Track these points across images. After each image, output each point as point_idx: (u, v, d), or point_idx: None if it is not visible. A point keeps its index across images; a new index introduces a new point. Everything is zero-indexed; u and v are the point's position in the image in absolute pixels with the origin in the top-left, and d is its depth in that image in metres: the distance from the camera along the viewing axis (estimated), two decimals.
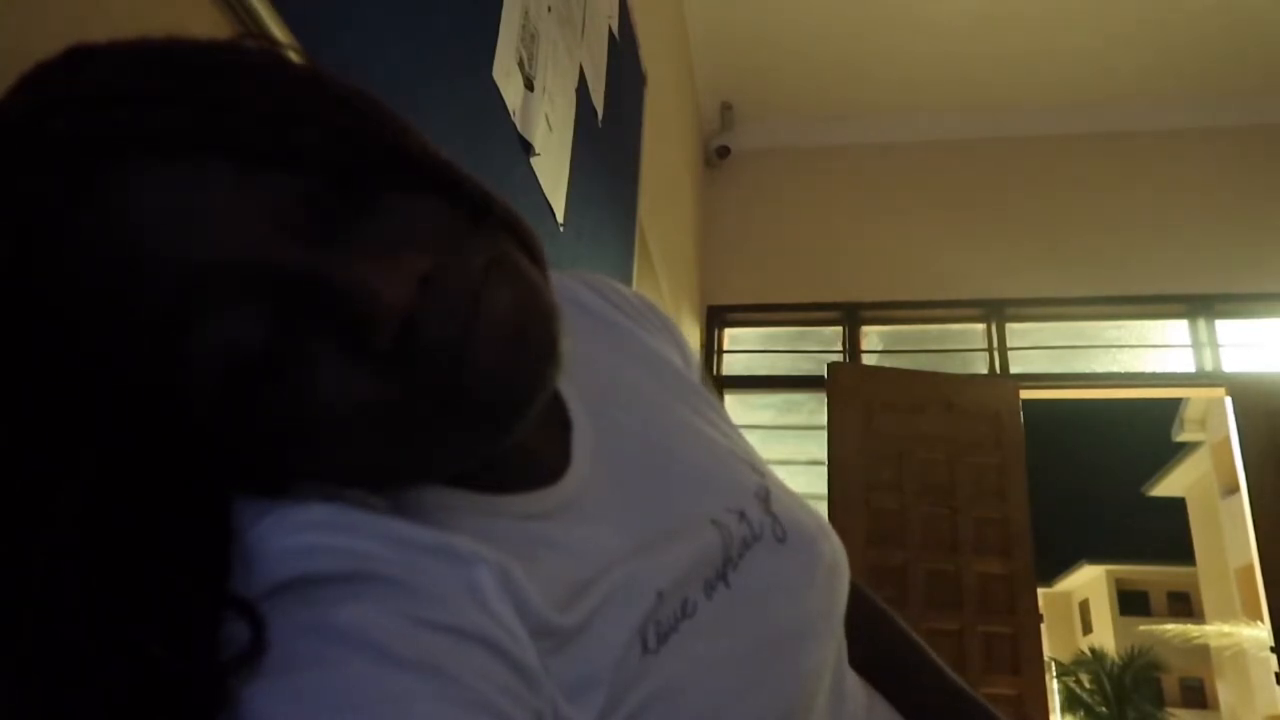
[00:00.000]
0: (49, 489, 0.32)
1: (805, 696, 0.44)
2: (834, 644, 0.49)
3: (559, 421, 0.47)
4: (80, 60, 0.35)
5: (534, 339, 0.36)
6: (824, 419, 3.50)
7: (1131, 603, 26.00)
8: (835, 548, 0.51)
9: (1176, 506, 21.01)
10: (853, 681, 0.54)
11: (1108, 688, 19.93)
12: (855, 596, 0.54)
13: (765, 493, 0.51)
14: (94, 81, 0.34)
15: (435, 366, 0.34)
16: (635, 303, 0.60)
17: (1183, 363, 3.75)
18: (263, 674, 0.31)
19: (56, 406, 0.33)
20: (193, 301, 0.32)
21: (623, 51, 2.19)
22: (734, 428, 0.59)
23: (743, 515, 0.48)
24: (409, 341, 0.33)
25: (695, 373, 0.61)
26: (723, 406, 0.61)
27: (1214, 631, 15.73)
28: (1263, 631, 4.97)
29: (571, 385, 0.49)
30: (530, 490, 0.43)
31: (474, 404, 0.35)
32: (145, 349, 0.32)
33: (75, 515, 0.32)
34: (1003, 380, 3.72)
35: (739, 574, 0.45)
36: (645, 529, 0.44)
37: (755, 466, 0.53)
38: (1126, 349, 3.84)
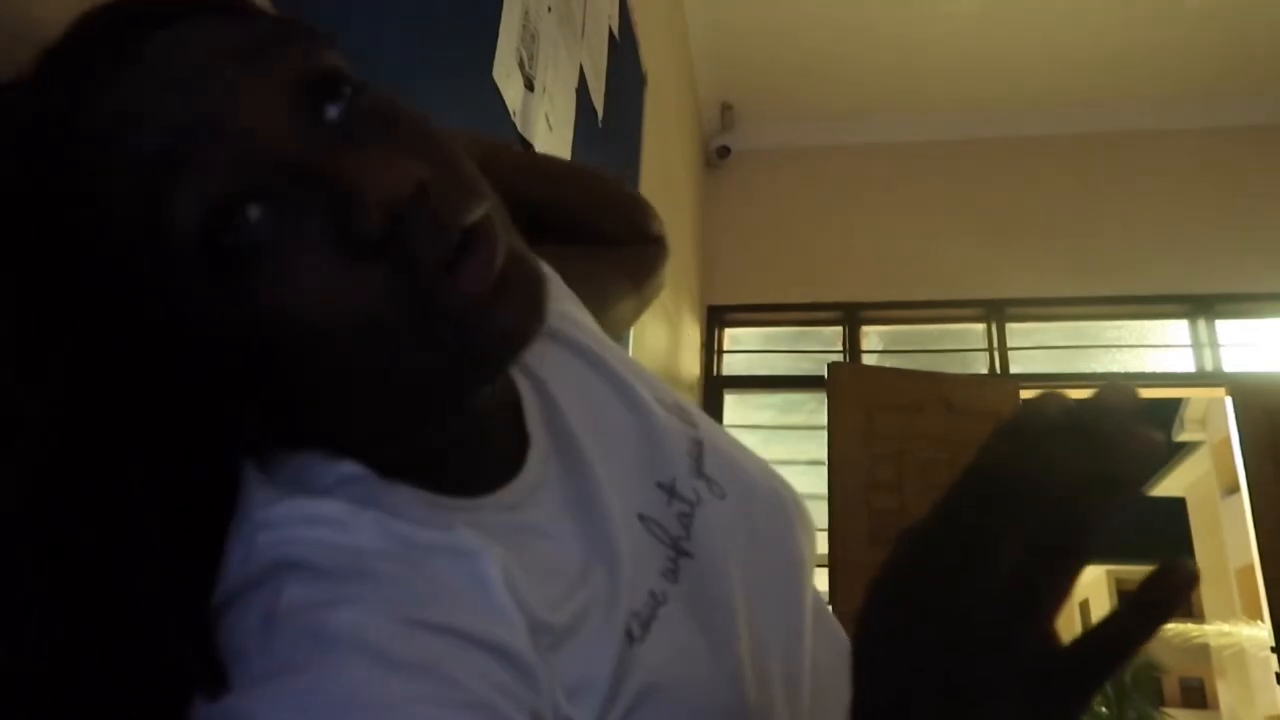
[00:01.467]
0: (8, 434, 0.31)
1: (798, 631, 0.44)
2: (802, 595, 0.49)
3: (511, 402, 0.47)
4: None
5: (519, 290, 0.36)
6: (824, 419, 3.50)
7: None
8: (780, 491, 0.51)
9: (1176, 506, 21.00)
10: None
11: (1107, 688, 19.92)
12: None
13: (698, 449, 0.50)
14: None
15: (420, 271, 0.33)
16: (558, 280, 0.60)
17: (1183, 363, 3.75)
18: (263, 679, 0.31)
19: (35, 301, 0.33)
20: (187, 159, 0.32)
21: (623, 51, 2.19)
22: (643, 369, 0.57)
23: (672, 492, 0.47)
24: (394, 239, 0.32)
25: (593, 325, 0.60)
26: (624, 349, 0.59)
27: (1214, 631, 15.71)
28: (1263, 631, 4.98)
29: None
30: (503, 482, 0.43)
31: (459, 327, 0.34)
32: (131, 204, 0.32)
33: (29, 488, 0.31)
34: (1003, 380, 3.72)
35: (694, 542, 0.45)
36: (600, 511, 0.44)
37: (687, 418, 0.53)
38: (1126, 349, 3.84)
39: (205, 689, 0.31)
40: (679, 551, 0.45)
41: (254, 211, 0.32)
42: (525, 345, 0.36)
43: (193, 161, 0.31)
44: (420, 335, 0.34)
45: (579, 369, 0.52)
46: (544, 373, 0.50)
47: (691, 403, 0.56)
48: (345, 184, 0.32)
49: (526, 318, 0.36)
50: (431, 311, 0.33)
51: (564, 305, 0.57)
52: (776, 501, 0.50)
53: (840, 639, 0.53)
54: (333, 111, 0.35)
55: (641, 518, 0.46)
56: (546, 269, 0.56)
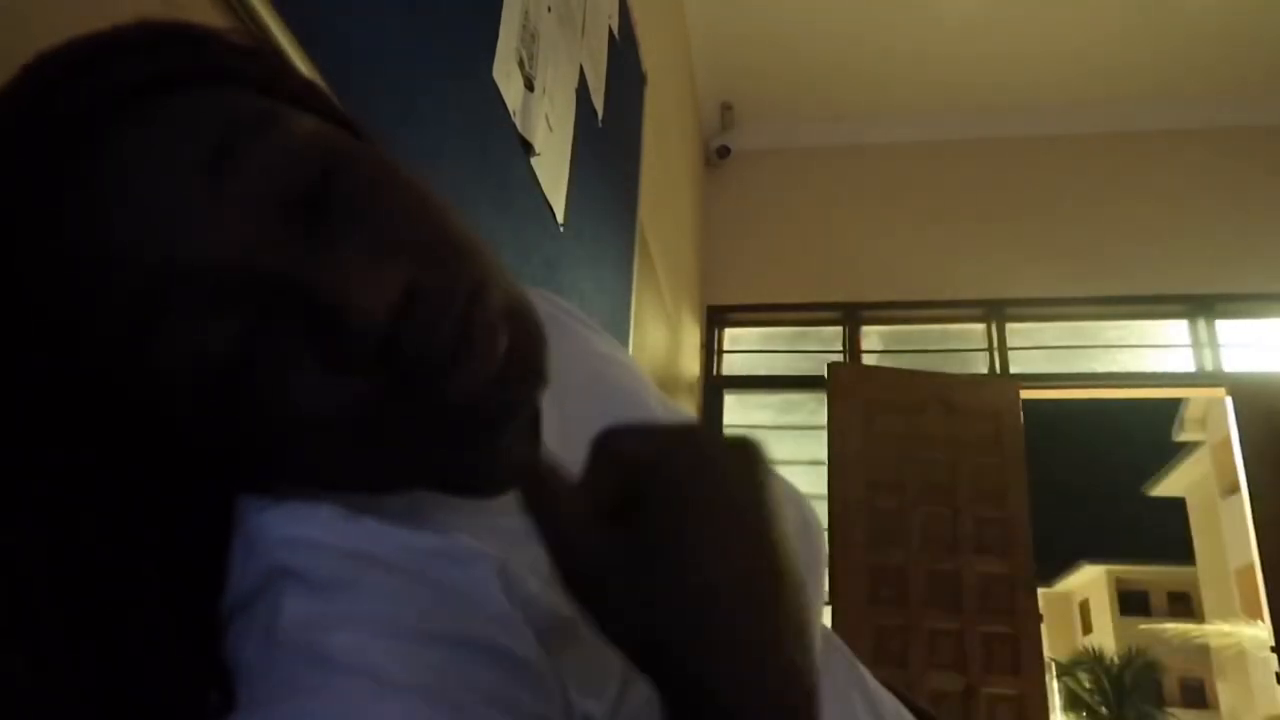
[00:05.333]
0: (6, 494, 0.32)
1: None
2: (817, 612, 0.49)
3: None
4: (70, 42, 0.35)
5: (521, 360, 0.35)
6: (824, 419, 3.50)
7: (1131, 603, 25.98)
8: (803, 512, 0.52)
9: (1176, 506, 21.01)
10: (884, 693, 0.55)
11: (1107, 688, 19.92)
12: None
13: None
14: (82, 47, 0.34)
15: (414, 380, 0.33)
16: (577, 311, 0.62)
17: (1183, 363, 3.75)
18: (265, 702, 0.30)
19: (19, 402, 0.33)
20: (164, 303, 0.31)
21: (623, 51, 2.19)
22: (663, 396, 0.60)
23: None
24: (388, 353, 0.32)
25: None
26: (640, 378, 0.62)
27: (1214, 631, 15.72)
28: (1263, 631, 4.98)
29: None
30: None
31: (453, 420, 0.34)
32: (111, 346, 0.32)
33: (35, 525, 0.31)
34: (1003, 380, 3.72)
35: None
36: None
37: None
38: (1126, 349, 3.84)
39: (215, 709, 0.31)
40: None
41: (241, 344, 0.32)
42: (528, 408, 0.37)
43: (175, 307, 0.31)
44: (423, 424, 0.34)
45: (601, 388, 0.54)
46: (565, 384, 0.50)
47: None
48: (332, 305, 0.31)
49: (529, 386, 0.36)
50: (435, 406, 0.34)
51: (615, 351, 0.58)
52: (797, 514, 0.51)
53: (832, 640, 0.53)
54: (307, 206, 0.33)
55: None
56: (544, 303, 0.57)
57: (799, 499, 0.53)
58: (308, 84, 0.40)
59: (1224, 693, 18.86)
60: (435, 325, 0.33)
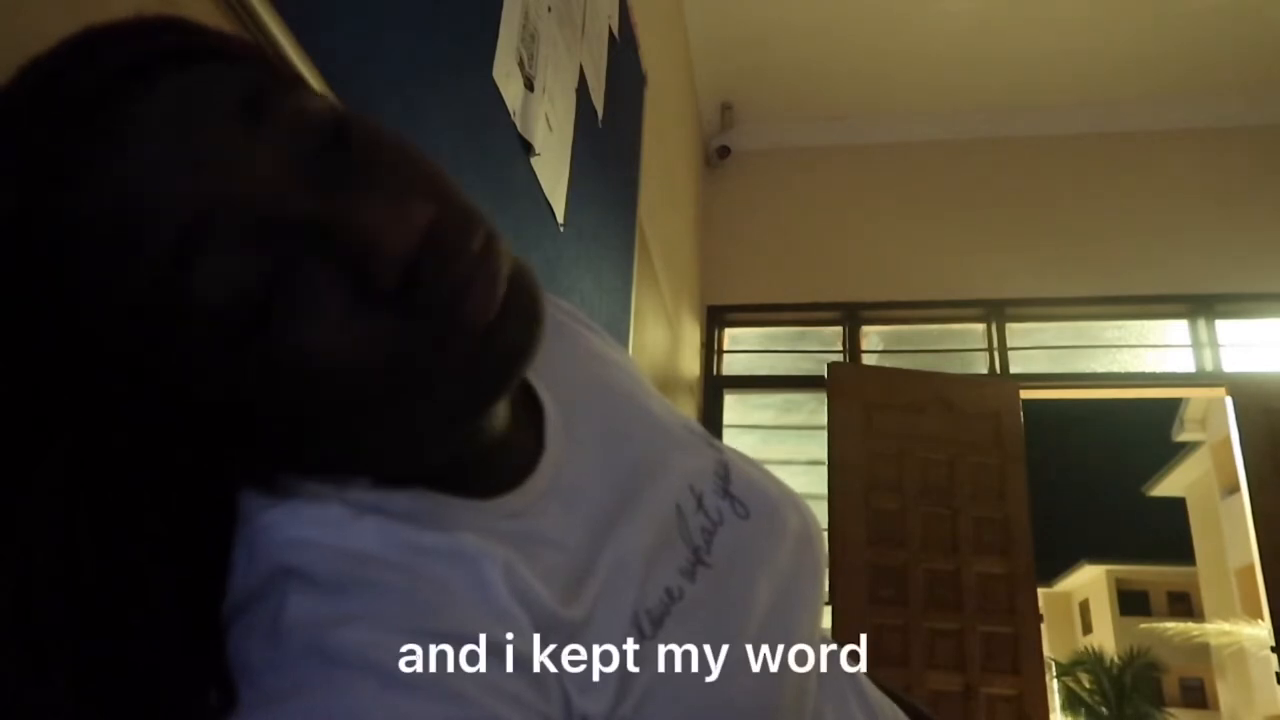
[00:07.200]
0: (29, 463, 0.32)
1: (802, 669, 0.45)
2: (817, 616, 0.49)
3: (530, 410, 0.48)
4: (87, 28, 0.36)
5: (524, 304, 0.36)
6: (824, 419, 3.50)
7: (1131, 603, 25.97)
8: (804, 518, 0.52)
9: (1176, 506, 21.00)
10: (879, 695, 0.55)
11: (1107, 687, 19.92)
12: None
13: (725, 469, 0.51)
14: (101, 29, 0.35)
15: (433, 313, 0.34)
16: (579, 313, 0.63)
17: (1183, 363, 3.75)
18: (271, 700, 0.31)
19: (50, 362, 0.33)
20: (195, 239, 0.31)
21: (623, 51, 2.19)
22: (663, 399, 0.60)
23: (700, 503, 0.48)
24: (410, 287, 0.33)
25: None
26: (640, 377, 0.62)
27: (1214, 630, 15.71)
28: (1263, 631, 4.98)
29: (538, 376, 0.50)
30: (514, 486, 0.43)
31: (469, 353, 0.35)
32: (146, 289, 0.32)
33: (53, 499, 0.32)
34: (1003, 380, 3.72)
35: (713, 555, 0.46)
36: (614, 513, 0.45)
37: (712, 442, 0.55)
38: (1126, 349, 3.84)
39: (216, 708, 0.31)
40: (698, 560, 0.45)
41: (274, 279, 0.32)
42: (529, 358, 0.37)
43: (208, 244, 0.31)
44: (432, 368, 0.34)
45: (604, 391, 0.54)
46: (568, 388, 0.50)
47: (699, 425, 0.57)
48: (362, 239, 0.32)
49: (528, 333, 0.36)
50: (441, 345, 0.34)
51: (612, 352, 0.59)
52: (799, 520, 0.51)
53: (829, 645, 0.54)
54: (332, 155, 0.34)
55: (678, 509, 0.47)
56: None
57: (798, 500, 0.53)
58: (299, 75, 0.41)
59: (1224, 693, 18.85)
60: (453, 258, 0.34)
